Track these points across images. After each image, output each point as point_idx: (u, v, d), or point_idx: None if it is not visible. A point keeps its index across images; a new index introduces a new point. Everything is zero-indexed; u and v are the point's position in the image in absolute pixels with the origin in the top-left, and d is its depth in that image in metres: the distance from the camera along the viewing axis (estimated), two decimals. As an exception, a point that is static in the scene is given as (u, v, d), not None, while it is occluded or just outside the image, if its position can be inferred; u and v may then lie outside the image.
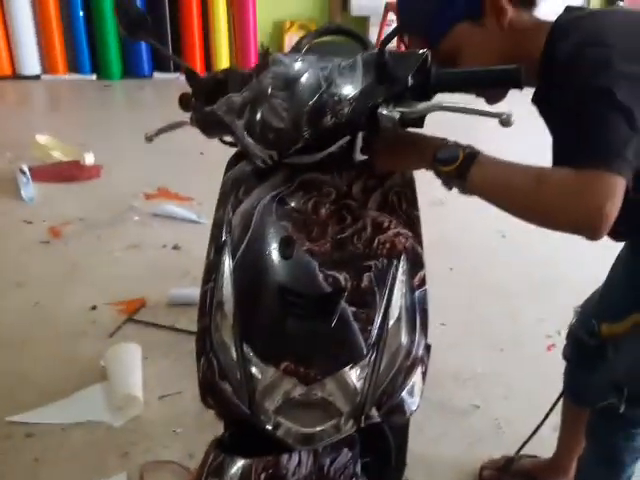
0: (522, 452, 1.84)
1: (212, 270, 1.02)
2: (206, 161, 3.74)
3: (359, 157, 1.05)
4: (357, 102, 0.91)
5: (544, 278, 2.92)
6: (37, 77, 6.22)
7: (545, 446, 1.84)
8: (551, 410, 1.53)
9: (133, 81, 6.34)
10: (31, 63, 6.20)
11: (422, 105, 0.92)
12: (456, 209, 3.63)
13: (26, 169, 3.70)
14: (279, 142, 0.93)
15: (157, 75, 6.38)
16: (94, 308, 2.59)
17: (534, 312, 2.67)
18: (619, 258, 1.41)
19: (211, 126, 1.03)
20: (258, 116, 0.94)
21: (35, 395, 2.09)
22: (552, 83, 1.07)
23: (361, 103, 0.91)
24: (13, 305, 2.60)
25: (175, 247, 3.13)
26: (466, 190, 0.98)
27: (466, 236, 3.38)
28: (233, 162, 1.11)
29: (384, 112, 0.91)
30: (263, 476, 0.94)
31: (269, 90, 0.94)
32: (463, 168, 0.96)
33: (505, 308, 2.74)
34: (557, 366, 1.69)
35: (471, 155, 0.97)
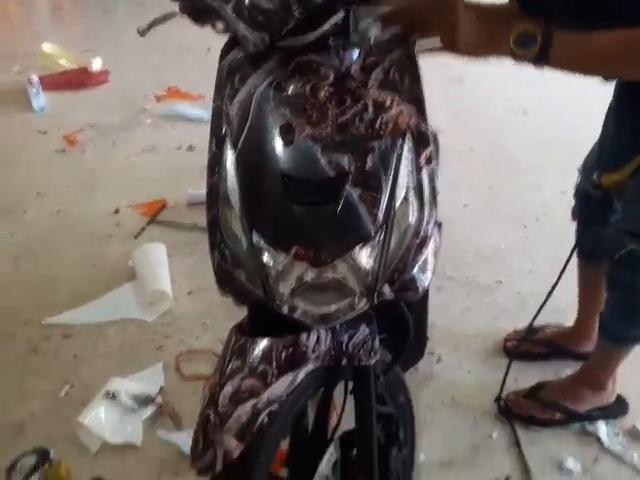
0: (545, 323, 1.88)
1: (215, 163, 1.01)
2: (213, 57, 3.61)
3: (355, 38, 0.99)
4: None
5: (566, 151, 2.86)
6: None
7: (568, 317, 1.88)
8: (564, 268, 1.54)
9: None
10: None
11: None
12: (476, 87, 3.54)
13: (35, 79, 3.65)
14: (269, 23, 0.89)
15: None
16: (117, 212, 2.63)
17: (557, 185, 2.63)
18: (610, 109, 1.41)
19: (200, 13, 0.99)
20: None
21: (68, 298, 2.17)
22: None
23: None
24: (36, 214, 2.65)
25: (190, 148, 3.12)
26: (545, 67, 0.96)
27: (487, 114, 3.30)
28: (226, 50, 1.07)
29: None
30: (284, 354, 0.97)
31: None
32: (542, 50, 0.94)
33: (528, 184, 2.72)
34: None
35: (548, 35, 0.94)
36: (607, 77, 1.12)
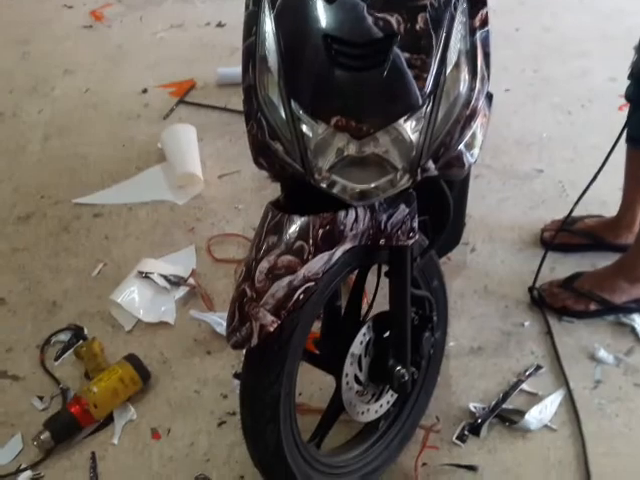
0: (586, 213, 1.82)
1: (252, 23, 0.93)
2: None
3: None
4: None
5: (618, 33, 2.68)
6: None
7: (610, 209, 1.81)
8: (609, 154, 1.46)
9: None
10: None
11: None
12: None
13: (59, -51, 3.48)
14: None
15: None
16: (145, 91, 2.56)
17: (606, 70, 2.49)
18: None
19: None
20: None
21: (98, 178, 2.15)
22: None
23: None
24: (64, 92, 2.60)
25: (219, 24, 2.98)
26: None
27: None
28: None
29: None
30: (321, 232, 0.94)
31: None
32: None
33: (575, 68, 2.57)
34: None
35: None
36: None
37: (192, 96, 2.53)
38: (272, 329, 0.94)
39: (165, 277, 1.75)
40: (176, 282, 1.76)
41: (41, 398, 1.53)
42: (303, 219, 0.94)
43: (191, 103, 2.49)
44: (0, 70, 2.74)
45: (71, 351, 1.62)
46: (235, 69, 2.51)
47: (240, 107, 2.38)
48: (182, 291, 1.75)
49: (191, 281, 1.77)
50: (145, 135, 2.32)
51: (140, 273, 1.75)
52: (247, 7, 0.95)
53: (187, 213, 2.02)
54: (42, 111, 2.48)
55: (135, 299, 1.71)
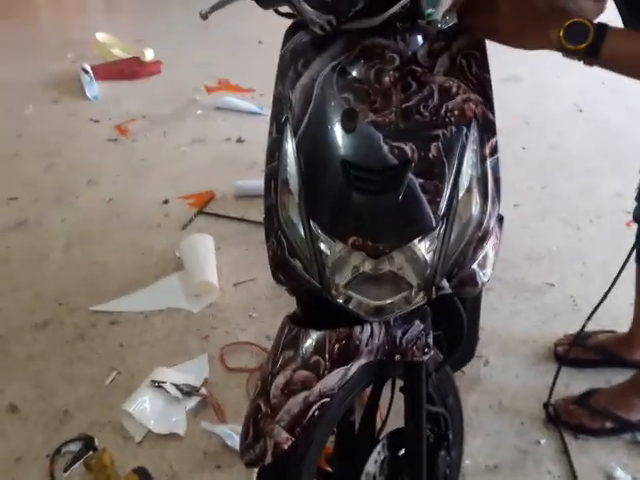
0: (598, 328, 1.82)
1: (275, 149, 0.99)
2: (265, 50, 3.66)
3: (427, 18, 0.97)
4: None
5: (623, 152, 2.78)
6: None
7: (622, 324, 1.81)
8: (620, 271, 1.48)
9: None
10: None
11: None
12: (531, 85, 3.48)
13: (89, 68, 3.73)
14: (337, 5, 0.87)
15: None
16: (166, 202, 2.65)
17: (612, 187, 2.56)
18: None
19: (266, -5, 0.97)
20: None
21: (116, 285, 2.19)
22: None
23: None
24: (88, 202, 2.69)
25: (239, 140, 3.12)
26: (595, 64, 0.92)
27: (541, 112, 3.23)
28: (290, 34, 1.06)
29: None
30: (337, 347, 0.95)
31: None
32: (594, 46, 0.89)
33: (582, 185, 2.65)
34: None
35: (601, 31, 0.89)
36: None
37: (211, 207, 2.61)
38: (287, 446, 0.94)
39: (177, 386, 1.75)
40: (188, 392, 1.75)
41: (47, 511, 1.50)
42: (319, 333, 0.96)
43: (210, 213, 2.57)
44: (27, 180, 2.86)
45: (81, 462, 1.59)
46: (253, 182, 2.62)
47: (257, 218, 2.49)
48: (194, 401, 1.74)
49: (203, 391, 1.76)
50: (164, 244, 2.39)
51: (153, 382, 1.74)
52: (270, 134, 1.02)
53: (202, 321, 2.04)
54: (65, 220, 2.57)
55: (147, 409, 1.69)
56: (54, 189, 2.77)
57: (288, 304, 1.05)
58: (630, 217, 2.14)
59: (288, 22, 1.08)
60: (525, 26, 0.93)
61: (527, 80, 3.46)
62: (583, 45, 0.89)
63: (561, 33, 0.90)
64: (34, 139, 3.22)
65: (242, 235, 2.43)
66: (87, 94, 3.59)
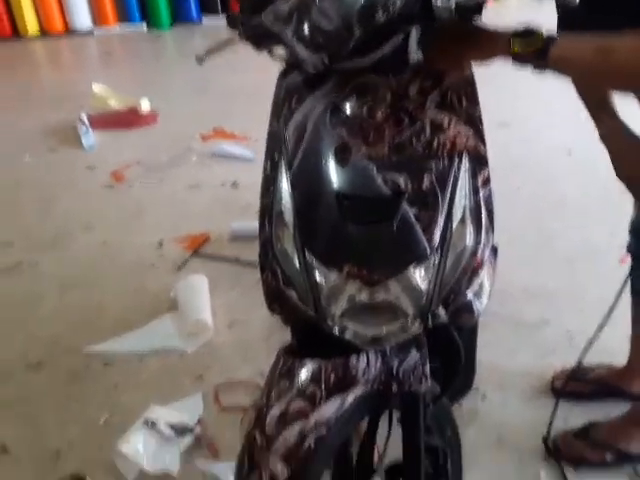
0: (595, 363, 1.82)
1: (269, 184, 1.01)
2: (259, 99, 3.72)
3: (414, 57, 1.01)
4: None
5: (613, 193, 2.80)
6: (90, 32, 6.32)
7: (619, 358, 1.81)
8: (614, 304, 1.49)
9: (183, 28, 6.38)
10: (82, 17, 6.29)
11: (479, -11, 0.87)
12: (521, 129, 3.56)
13: (85, 118, 3.79)
14: (329, 45, 0.90)
15: (206, 21, 6.45)
16: (161, 244, 2.67)
17: (606, 226, 2.60)
18: None
19: (260, 37, 1.01)
20: (306, 20, 0.91)
21: (110, 326, 2.18)
22: None
23: None
24: (83, 246, 2.71)
25: (234, 184, 3.16)
26: (545, 69, 0.94)
27: (532, 155, 3.30)
28: (283, 74, 1.09)
29: (438, 2, 0.87)
30: (333, 376, 0.95)
31: None
32: (544, 48, 0.91)
33: (575, 223, 2.69)
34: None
35: (550, 36, 0.92)
36: (625, 88, 1.01)
37: (206, 249, 2.63)
38: (283, 478, 0.93)
39: (171, 426, 1.73)
40: (182, 431, 1.73)
41: None
42: (315, 364, 0.96)
43: (204, 255, 2.58)
44: (23, 225, 2.88)
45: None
46: (247, 224, 2.64)
47: (251, 259, 2.51)
48: (188, 440, 1.72)
49: (197, 430, 1.75)
50: (158, 285, 2.39)
51: (146, 421, 1.73)
52: (265, 170, 1.04)
53: (196, 360, 2.03)
54: (60, 263, 2.57)
55: (140, 448, 1.67)
56: (50, 234, 2.79)
57: (283, 342, 1.05)
58: (623, 254, 2.18)
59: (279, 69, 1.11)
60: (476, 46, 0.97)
61: (515, 125, 3.55)
62: (534, 45, 0.91)
63: (512, 40, 0.92)
64: (31, 186, 3.25)
65: (236, 277, 2.44)
66: (83, 143, 3.63)
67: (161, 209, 2.97)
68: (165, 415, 1.76)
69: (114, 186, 3.22)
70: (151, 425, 1.72)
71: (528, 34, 0.92)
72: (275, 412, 0.95)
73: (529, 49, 0.92)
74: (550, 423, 1.66)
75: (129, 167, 3.38)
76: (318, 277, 0.94)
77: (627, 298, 1.62)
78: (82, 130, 3.71)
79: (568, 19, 1.07)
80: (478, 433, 1.72)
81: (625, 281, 1.52)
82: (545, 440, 1.66)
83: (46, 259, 2.61)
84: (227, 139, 3.65)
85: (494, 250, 1.04)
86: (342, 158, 0.95)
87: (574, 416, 1.74)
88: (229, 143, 3.56)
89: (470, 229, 0.96)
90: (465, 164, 0.96)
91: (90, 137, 3.70)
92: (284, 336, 1.13)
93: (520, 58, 0.93)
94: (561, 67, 0.94)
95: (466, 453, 1.55)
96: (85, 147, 3.63)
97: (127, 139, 3.77)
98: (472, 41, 0.97)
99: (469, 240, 0.96)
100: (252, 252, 2.46)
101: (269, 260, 1.01)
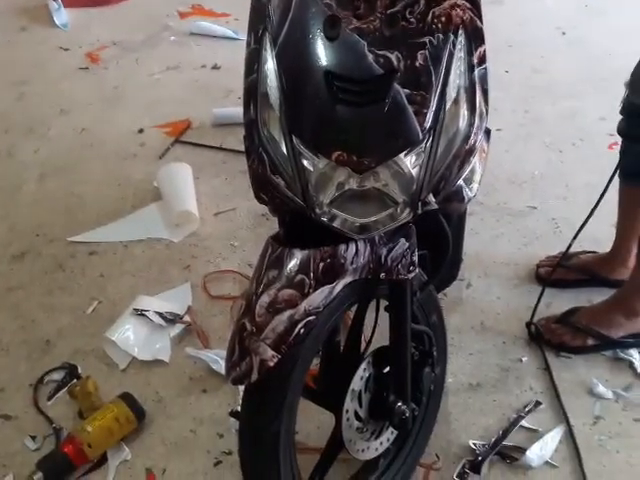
0: (580, 249, 1.83)
1: (253, 60, 0.94)
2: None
3: None
4: None
5: (606, 74, 2.75)
6: None
7: (604, 245, 1.82)
8: (605, 191, 1.48)
9: None
10: None
11: None
12: (515, 7, 3.40)
13: (57, -6, 3.55)
14: None
15: None
16: (141, 131, 2.58)
17: (595, 110, 2.54)
18: None
19: None
20: None
21: (93, 216, 2.15)
22: None
23: None
24: (60, 132, 2.61)
25: (215, 67, 3.03)
26: None
27: (524, 35, 3.17)
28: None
29: None
30: (322, 265, 0.94)
31: None
32: None
33: (564, 108, 2.62)
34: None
35: None
36: None
37: (188, 136, 2.55)
38: (272, 364, 0.93)
39: (160, 314, 1.74)
40: (171, 319, 1.75)
41: (34, 438, 1.51)
42: (304, 253, 0.94)
43: (187, 142, 2.51)
44: (-5, 110, 2.76)
45: (65, 390, 1.60)
46: (230, 109, 2.55)
47: (235, 146, 2.45)
48: (178, 328, 1.74)
49: (187, 318, 1.76)
50: (141, 174, 2.34)
51: (135, 310, 1.73)
52: (248, 45, 0.97)
53: (183, 251, 2.02)
54: (38, 151, 2.50)
55: (130, 337, 1.69)
56: (25, 119, 2.68)
57: (269, 233, 1.03)
58: (612, 140, 2.15)
59: None
60: None
61: (509, 2, 3.38)
62: None
63: None
64: (2, 68, 3.09)
65: (221, 164, 2.39)
66: (55, 22, 3.43)
67: (139, 93, 2.85)
68: (154, 305, 1.77)
69: (89, 68, 3.07)
70: (140, 314, 1.72)
71: None
72: (264, 300, 0.94)
73: None
74: (534, 309, 1.69)
75: (104, 48, 3.21)
76: (306, 164, 0.90)
77: (615, 184, 1.59)
78: (54, 7, 3.49)
79: None
80: (462, 319, 1.75)
81: (616, 167, 1.49)
82: (528, 325, 1.69)
83: (23, 146, 2.53)
84: (206, 16, 3.46)
85: (487, 133, 1.00)
86: (331, 32, 0.88)
87: (557, 302, 1.77)
88: (209, 21, 3.38)
89: (464, 111, 0.92)
90: (461, 40, 0.89)
91: (63, 15, 3.48)
92: (271, 224, 1.11)
93: None
94: None
95: (450, 339, 1.59)
96: (58, 25, 3.43)
97: (101, 17, 3.55)
98: None
99: (462, 123, 0.92)
100: (236, 139, 2.42)
101: (255, 145, 0.96)
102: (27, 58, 3.18)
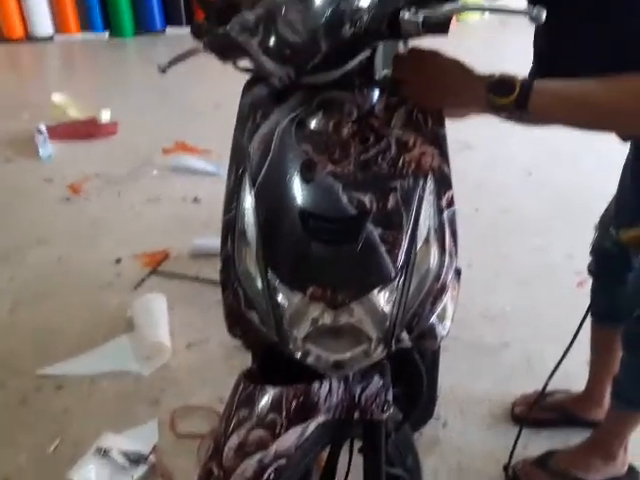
0: (554, 388, 1.81)
1: (233, 199, 0.98)
2: (222, 113, 3.70)
3: (381, 74, 0.99)
4: (377, 9, 0.86)
5: (572, 214, 2.87)
6: (50, 38, 6.19)
7: (577, 382, 1.81)
8: (579, 329, 1.49)
9: (146, 37, 6.30)
10: (44, 24, 6.16)
11: (447, 7, 0.85)
12: (483, 151, 3.59)
13: (43, 128, 3.67)
14: (296, 58, 0.87)
15: (169, 30, 6.36)
16: (118, 261, 2.59)
17: (563, 248, 2.62)
18: (626, 163, 1.36)
19: (225, 48, 0.97)
20: (273, 32, 0.88)
21: (64, 347, 2.10)
22: None
23: (381, 10, 0.86)
24: (36, 261, 2.61)
25: (195, 200, 3.11)
26: (527, 119, 0.93)
27: (492, 177, 3.33)
28: (248, 87, 1.06)
29: (406, 16, 0.85)
30: (294, 404, 0.92)
31: (283, 4, 0.88)
32: (522, 97, 0.91)
33: (533, 246, 2.70)
34: (588, 302, 1.64)
35: (526, 82, 0.91)
36: (605, 130, 1.02)
37: (165, 266, 2.56)
38: (240, 513, 0.89)
39: (125, 454, 1.66)
40: (136, 460, 1.66)
41: None
42: (276, 390, 0.92)
43: (164, 273, 2.51)
44: (-26, 238, 2.77)
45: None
46: (209, 240, 2.59)
47: (211, 276, 2.44)
48: (142, 469, 1.65)
49: (152, 458, 1.68)
50: (115, 304, 2.32)
51: (99, 450, 1.66)
52: (228, 185, 1.01)
53: (152, 384, 1.96)
54: (13, 278, 2.48)
55: (92, 478, 1.60)
56: (2, 247, 2.68)
57: (243, 365, 1.01)
58: (581, 277, 2.20)
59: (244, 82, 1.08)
60: (455, 88, 0.96)
61: (477, 147, 3.58)
62: (511, 98, 0.91)
63: (487, 89, 0.92)
64: (-18, 197, 3.14)
65: (196, 295, 2.38)
66: (40, 154, 3.54)
67: (119, 224, 2.89)
68: (118, 443, 1.69)
69: (71, 199, 3.12)
70: (103, 454, 1.65)
71: (503, 83, 0.92)
72: (234, 442, 0.91)
73: (509, 98, 0.91)
74: (511, 452, 1.63)
75: (87, 180, 3.29)
76: (281, 299, 0.91)
77: (587, 323, 1.61)
78: (40, 140, 3.61)
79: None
80: (439, 460, 1.70)
81: (588, 308, 1.52)
82: (505, 469, 1.64)
83: (-3, 274, 2.51)
84: (189, 152, 3.60)
85: (457, 272, 1.02)
86: (307, 174, 0.93)
87: (534, 443, 1.73)
88: (191, 157, 3.51)
89: (434, 250, 0.95)
90: (430, 184, 0.94)
91: (48, 148, 3.60)
92: (245, 356, 1.09)
93: (498, 109, 0.93)
94: (543, 112, 0.94)
95: (427, 480, 1.53)
96: (42, 158, 3.53)
97: (86, 150, 3.68)
98: (449, 84, 0.96)
99: (433, 262, 0.94)
100: (213, 269, 2.42)
101: (230, 279, 0.97)
102: (9, 188, 3.23)
